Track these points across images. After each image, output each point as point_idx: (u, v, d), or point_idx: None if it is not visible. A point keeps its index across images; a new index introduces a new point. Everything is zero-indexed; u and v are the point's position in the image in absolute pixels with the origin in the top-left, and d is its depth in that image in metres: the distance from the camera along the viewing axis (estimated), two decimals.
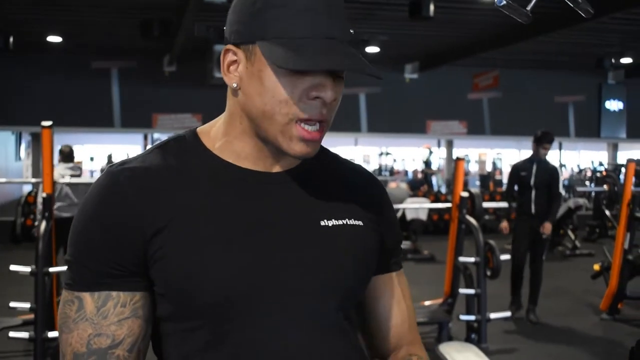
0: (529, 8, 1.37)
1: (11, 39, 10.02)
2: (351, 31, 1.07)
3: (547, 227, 6.21)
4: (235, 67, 1.06)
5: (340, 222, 1.12)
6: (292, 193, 1.11)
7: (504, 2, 1.33)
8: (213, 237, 1.02)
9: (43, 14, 9.65)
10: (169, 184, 1.05)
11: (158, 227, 1.01)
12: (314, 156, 1.09)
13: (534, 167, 6.35)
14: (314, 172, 1.16)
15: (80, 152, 22.66)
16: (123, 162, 1.08)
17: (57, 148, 20.57)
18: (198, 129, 1.15)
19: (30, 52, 12.27)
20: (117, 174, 1.05)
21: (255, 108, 1.04)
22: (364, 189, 1.22)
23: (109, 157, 20.05)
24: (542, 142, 6.32)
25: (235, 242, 1.03)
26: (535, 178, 6.32)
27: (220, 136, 1.11)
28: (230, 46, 1.06)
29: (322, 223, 1.10)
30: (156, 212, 1.02)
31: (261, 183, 1.09)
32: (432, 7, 8.08)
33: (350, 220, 1.13)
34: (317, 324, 1.06)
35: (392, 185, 11.60)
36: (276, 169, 1.12)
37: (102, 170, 1.14)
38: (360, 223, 1.15)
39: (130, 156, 1.12)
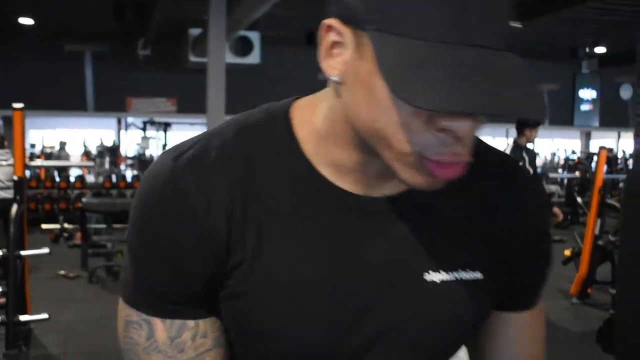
0: None
1: None
2: (516, 25, 0.73)
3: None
4: (340, 51, 0.73)
5: (451, 276, 0.83)
6: (399, 229, 0.82)
7: None
8: (309, 281, 0.79)
9: None
10: (249, 201, 0.79)
11: (241, 255, 0.78)
12: None
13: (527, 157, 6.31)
14: (431, 199, 0.83)
15: (53, 137, 22.44)
16: (197, 147, 0.81)
17: (28, 132, 20.28)
18: (295, 108, 0.84)
19: (1, 34, 12.09)
20: (192, 169, 0.79)
21: (362, 122, 0.73)
22: (508, 209, 0.88)
23: (84, 141, 19.88)
24: (531, 125, 6.14)
25: (330, 291, 0.80)
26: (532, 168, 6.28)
27: (318, 136, 0.81)
28: (333, 21, 0.73)
29: (427, 277, 0.82)
30: (238, 235, 0.78)
31: (365, 213, 0.81)
32: None
33: (466, 274, 0.84)
34: None
35: None
36: (384, 191, 0.83)
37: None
38: (478, 276, 0.84)
39: (190, 137, 0.84)
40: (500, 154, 0.93)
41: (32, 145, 21.76)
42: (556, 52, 14.13)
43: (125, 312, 0.83)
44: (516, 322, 0.94)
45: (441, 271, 0.82)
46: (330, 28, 0.73)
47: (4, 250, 4.68)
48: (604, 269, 6.52)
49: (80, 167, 14.68)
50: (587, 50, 12.90)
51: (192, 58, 10.68)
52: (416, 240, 0.82)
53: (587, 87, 16.71)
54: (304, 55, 13.51)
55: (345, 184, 0.81)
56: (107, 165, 14.74)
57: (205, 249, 0.78)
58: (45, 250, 4.86)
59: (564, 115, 16.52)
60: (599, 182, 6.36)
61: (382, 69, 0.66)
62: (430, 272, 0.82)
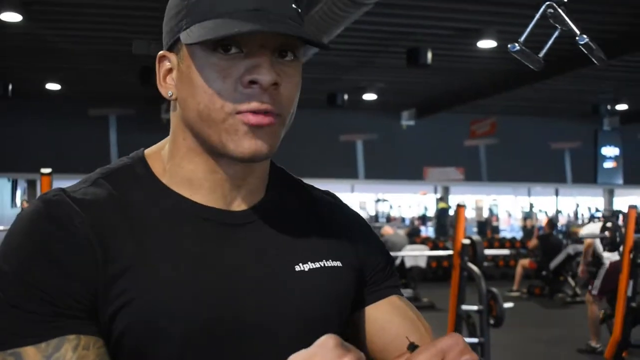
0: (541, 55, 1.37)
1: (10, 86, 10.08)
2: (294, 7, 0.89)
3: None
4: (168, 74, 0.92)
5: (317, 264, 0.98)
6: (261, 236, 0.95)
7: (517, 47, 1.33)
8: (180, 282, 0.86)
9: (42, 62, 9.72)
10: (121, 221, 0.87)
11: (119, 269, 0.84)
12: (280, 188, 1.01)
13: None
14: (281, 208, 1.00)
15: None
16: (61, 190, 0.89)
17: None
18: (146, 151, 0.98)
19: (29, 99, 12.33)
20: (59, 203, 0.86)
21: (191, 112, 0.88)
22: (339, 220, 1.07)
23: None
24: None
25: (205, 287, 0.87)
26: None
27: (168, 159, 0.95)
28: (163, 52, 0.92)
29: (298, 268, 0.96)
30: (114, 251, 0.84)
31: (224, 225, 0.93)
32: (429, 55, 8.16)
33: (328, 262, 0.99)
34: None
35: (389, 231, 11.55)
36: (239, 204, 0.95)
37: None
38: (338, 264, 1.00)
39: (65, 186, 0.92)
40: (328, 192, 1.14)
41: None
42: (577, 110, 14.13)
43: None
44: (395, 305, 1.07)
45: (309, 262, 0.96)
46: (161, 59, 0.92)
47: None
48: (638, 331, 6.35)
49: None
50: (609, 107, 12.89)
51: None
52: (281, 241, 0.96)
53: (609, 145, 16.63)
54: (326, 117, 13.69)
55: (201, 197, 0.93)
56: None
57: (90, 260, 0.82)
58: None
59: (586, 172, 16.40)
60: (629, 242, 6.24)
61: (187, 39, 0.84)
62: (300, 264, 0.96)
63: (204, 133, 0.88)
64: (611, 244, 6.90)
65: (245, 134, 0.86)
